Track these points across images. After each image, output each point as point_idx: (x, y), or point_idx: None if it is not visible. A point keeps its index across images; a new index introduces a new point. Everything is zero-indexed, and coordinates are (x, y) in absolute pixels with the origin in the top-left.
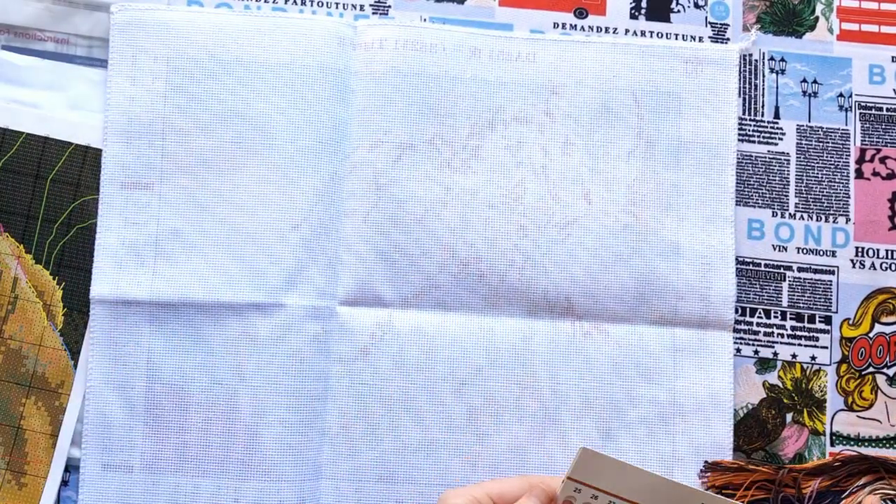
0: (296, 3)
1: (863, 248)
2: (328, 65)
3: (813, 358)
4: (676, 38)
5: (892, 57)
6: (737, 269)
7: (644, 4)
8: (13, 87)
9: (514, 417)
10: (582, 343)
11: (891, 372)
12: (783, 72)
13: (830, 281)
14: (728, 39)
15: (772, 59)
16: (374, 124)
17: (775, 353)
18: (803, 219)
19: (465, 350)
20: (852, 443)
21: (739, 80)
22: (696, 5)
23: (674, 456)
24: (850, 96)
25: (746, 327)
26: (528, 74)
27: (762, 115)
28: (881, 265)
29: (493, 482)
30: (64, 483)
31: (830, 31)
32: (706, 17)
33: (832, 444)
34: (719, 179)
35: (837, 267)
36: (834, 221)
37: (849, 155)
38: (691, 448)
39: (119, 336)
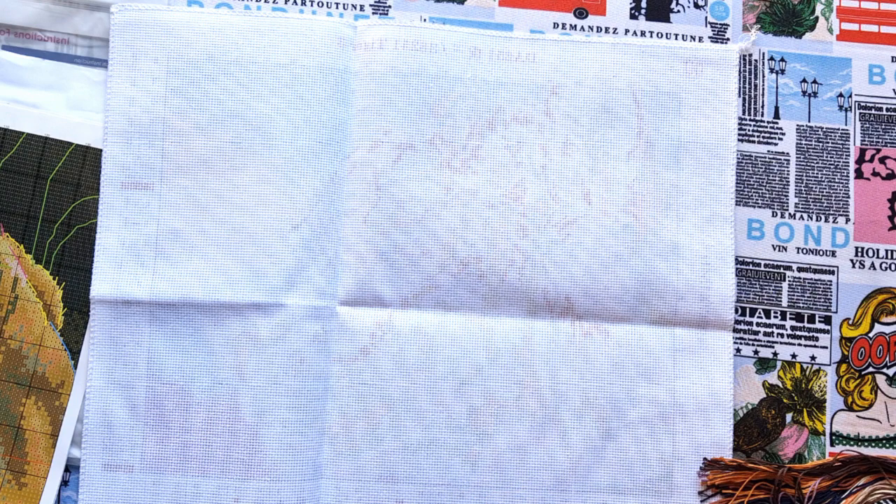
0: (296, 4)
1: (863, 248)
2: (328, 65)
3: (813, 358)
4: (676, 38)
5: (892, 57)
6: (737, 269)
7: (644, 4)
8: (13, 87)
9: (514, 417)
10: (582, 343)
11: (891, 372)
12: (783, 72)
13: (830, 281)
14: (728, 39)
15: (772, 59)
16: (373, 125)
17: (775, 353)
18: (803, 219)
19: (465, 350)
20: (852, 443)
21: (739, 80)
22: (696, 5)
23: (674, 455)
24: (850, 96)
25: (746, 327)
26: (528, 74)
27: (762, 115)
28: (881, 265)
29: None
30: (64, 483)
31: (830, 31)
32: (706, 18)
33: (832, 444)
34: (719, 179)
35: (837, 267)
36: (834, 221)
37: (849, 155)
38: (691, 448)
39: (119, 336)
